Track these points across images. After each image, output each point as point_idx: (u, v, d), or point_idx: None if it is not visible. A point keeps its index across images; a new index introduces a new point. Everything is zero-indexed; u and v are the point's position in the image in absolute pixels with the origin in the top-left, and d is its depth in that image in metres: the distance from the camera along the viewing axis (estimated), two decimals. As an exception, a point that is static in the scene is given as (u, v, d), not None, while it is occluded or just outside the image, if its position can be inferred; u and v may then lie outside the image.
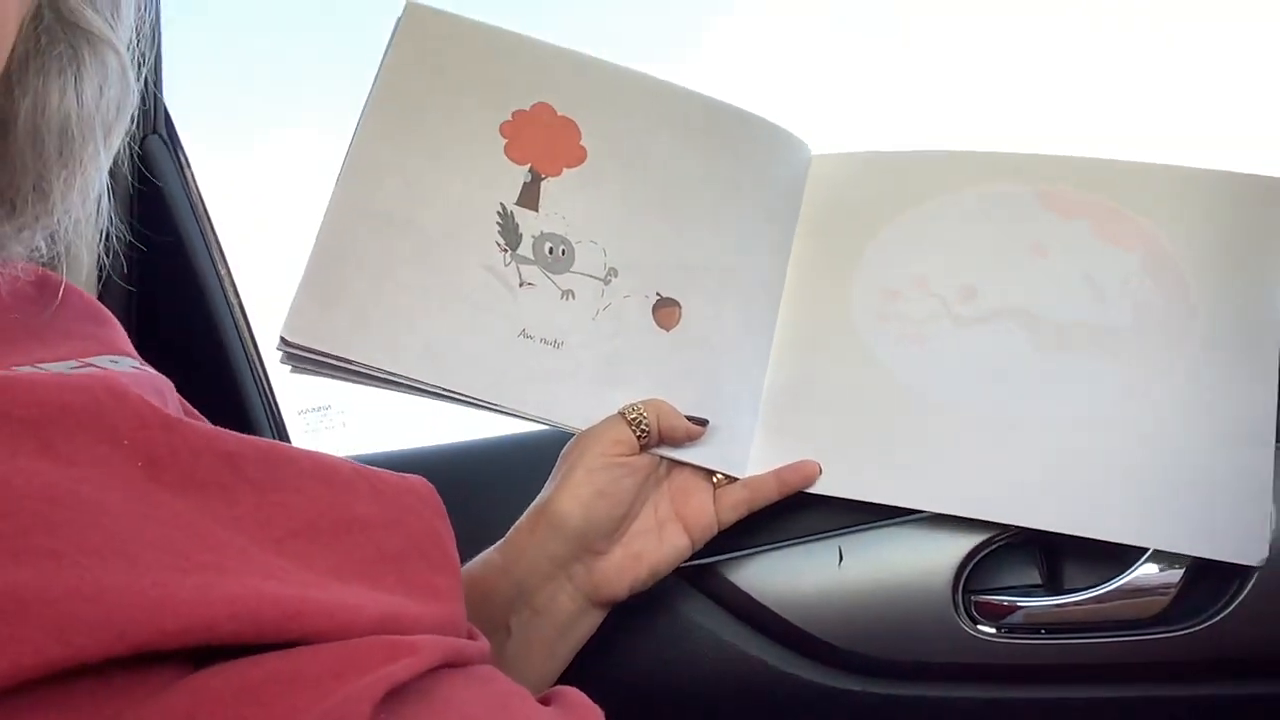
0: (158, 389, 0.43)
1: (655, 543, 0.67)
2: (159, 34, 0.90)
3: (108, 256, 0.53)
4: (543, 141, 0.72)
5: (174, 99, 0.95)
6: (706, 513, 0.68)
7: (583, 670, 0.65)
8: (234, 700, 0.30)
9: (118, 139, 0.48)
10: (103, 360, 0.44)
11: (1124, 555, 0.70)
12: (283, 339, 0.66)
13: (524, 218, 0.70)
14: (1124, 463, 0.66)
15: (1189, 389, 0.67)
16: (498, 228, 0.70)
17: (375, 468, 0.44)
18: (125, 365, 0.45)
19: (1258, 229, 0.69)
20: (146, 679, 0.29)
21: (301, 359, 0.67)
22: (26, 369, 0.39)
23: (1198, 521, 0.65)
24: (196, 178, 0.98)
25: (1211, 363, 0.67)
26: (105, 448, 0.33)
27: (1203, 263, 0.69)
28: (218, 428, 0.39)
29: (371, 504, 0.42)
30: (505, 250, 0.69)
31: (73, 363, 0.43)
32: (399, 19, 0.72)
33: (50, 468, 0.31)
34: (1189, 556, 0.68)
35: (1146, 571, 0.69)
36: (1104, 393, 0.68)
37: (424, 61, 0.72)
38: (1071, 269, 0.70)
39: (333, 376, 0.68)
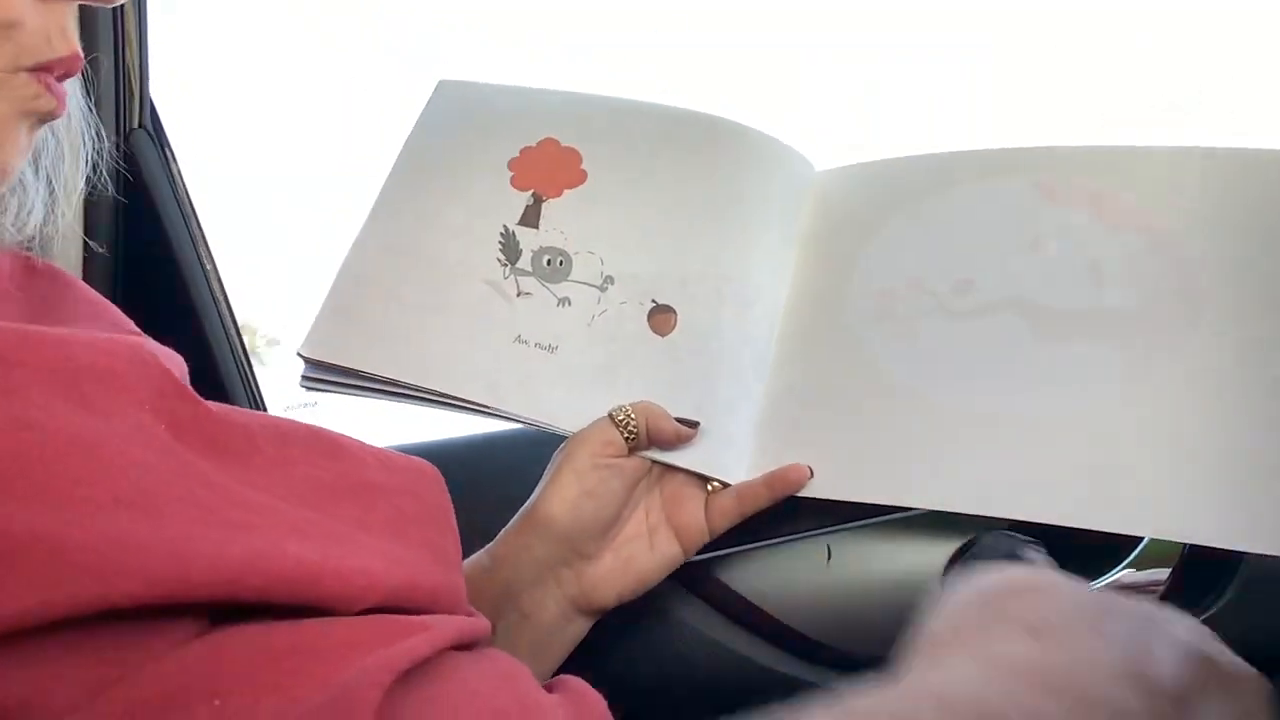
0: (175, 363, 0.44)
1: (646, 549, 0.66)
2: (145, 30, 0.90)
3: (94, 246, 0.53)
4: (546, 169, 0.76)
5: (159, 93, 0.95)
6: (698, 520, 0.67)
7: (570, 670, 0.64)
8: (251, 664, 0.30)
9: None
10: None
11: (1113, 552, 0.70)
12: (299, 354, 0.71)
13: (524, 235, 0.73)
14: (1129, 450, 0.63)
15: (1198, 373, 0.63)
16: (499, 246, 0.73)
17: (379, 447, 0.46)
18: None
19: (1270, 204, 0.67)
20: (164, 632, 0.30)
21: (315, 379, 0.72)
22: None
23: (1210, 509, 0.60)
24: (183, 172, 0.98)
25: (1222, 346, 0.64)
26: (134, 407, 0.34)
27: (1214, 242, 0.66)
28: (226, 404, 0.39)
29: (382, 473, 0.44)
30: (505, 265, 0.72)
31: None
32: (432, 94, 0.81)
33: (84, 418, 0.31)
34: (1178, 554, 0.69)
35: (1136, 569, 0.70)
36: (1107, 379, 0.65)
37: (447, 122, 0.79)
38: (1073, 255, 0.68)
39: (342, 392, 0.72)
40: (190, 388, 0.37)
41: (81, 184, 0.54)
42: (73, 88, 0.51)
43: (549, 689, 0.45)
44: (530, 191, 0.74)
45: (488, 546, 0.65)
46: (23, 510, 0.27)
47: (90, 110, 0.55)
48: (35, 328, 0.33)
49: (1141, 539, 0.70)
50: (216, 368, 0.98)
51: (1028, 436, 0.65)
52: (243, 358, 1.01)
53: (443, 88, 0.81)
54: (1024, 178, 0.72)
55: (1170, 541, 0.70)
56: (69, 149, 0.51)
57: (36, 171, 0.49)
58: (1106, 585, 0.70)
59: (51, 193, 0.50)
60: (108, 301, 0.51)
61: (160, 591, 0.29)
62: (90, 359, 0.33)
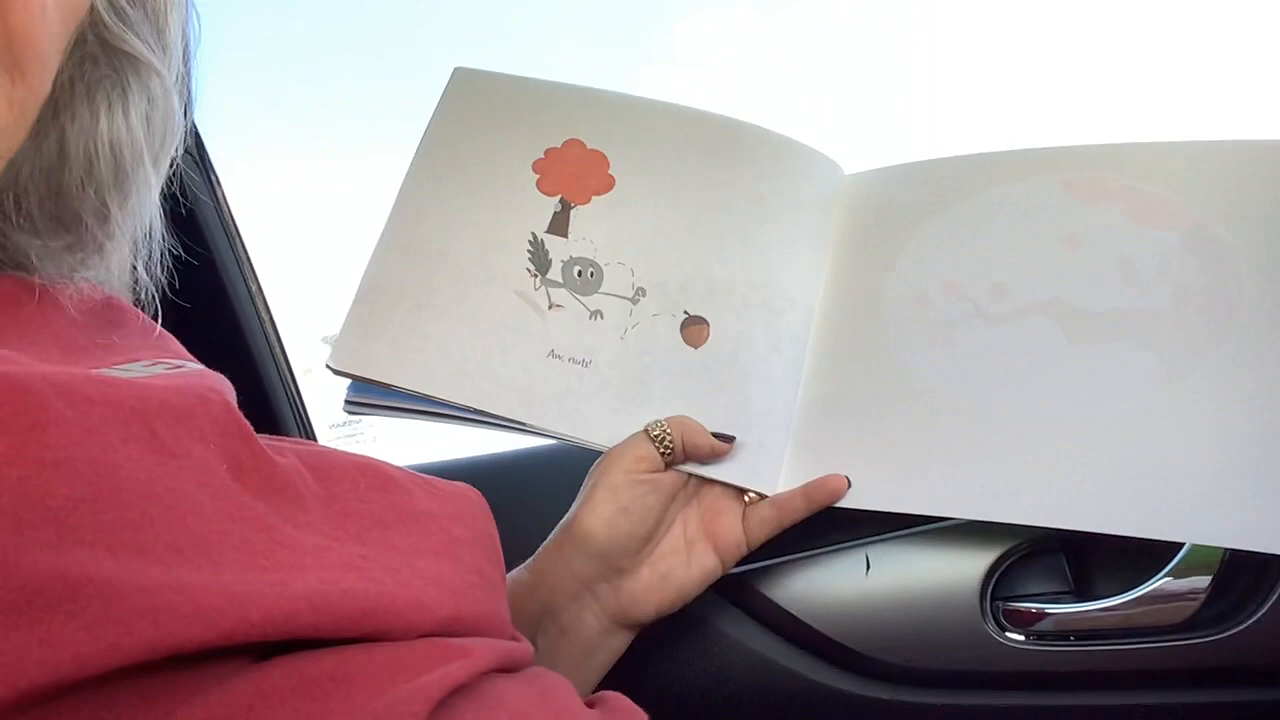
0: (229, 391, 0.45)
1: (683, 562, 0.66)
2: (189, 53, 0.92)
3: (150, 276, 0.55)
4: (572, 173, 0.75)
5: (203, 116, 0.96)
6: (735, 532, 0.67)
7: (611, 681, 0.65)
8: (292, 694, 0.31)
9: (166, 164, 0.49)
10: (170, 363, 0.46)
11: (1152, 561, 0.70)
12: (328, 366, 0.69)
13: (554, 244, 0.73)
14: (1166, 454, 0.62)
15: (1235, 371, 0.62)
16: (528, 255, 0.72)
17: (425, 474, 0.47)
18: (191, 369, 0.46)
19: None
20: (214, 669, 0.30)
21: (357, 402, 0.71)
22: (103, 370, 0.40)
23: (1250, 513, 0.59)
24: (227, 195, 1.00)
25: (1261, 344, 0.63)
26: (199, 446, 0.34)
27: (1249, 237, 0.65)
28: (276, 438, 0.40)
29: (431, 501, 0.45)
30: (535, 275, 0.72)
31: (144, 363, 0.44)
32: (448, 82, 0.79)
33: (154, 459, 0.32)
34: (1218, 561, 0.68)
35: (1175, 577, 0.69)
36: (1143, 382, 0.64)
37: (467, 113, 0.77)
38: (1105, 256, 0.68)
39: (383, 415, 0.71)
40: (246, 422, 0.37)
41: (165, 233, 0.55)
42: (178, 130, 0.52)
43: (590, 704, 0.46)
44: (558, 197, 0.74)
45: (526, 564, 0.66)
46: (86, 554, 0.28)
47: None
48: (110, 375, 0.34)
49: (1181, 546, 0.69)
50: (264, 391, 0.99)
51: (1064, 442, 0.64)
52: (290, 381, 1.02)
53: (459, 76, 0.79)
54: (1053, 177, 0.71)
55: (1210, 549, 0.69)
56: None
57: (124, 208, 0.50)
58: (1146, 593, 0.70)
59: (136, 232, 0.51)
60: (163, 330, 0.52)
61: (218, 633, 0.29)
62: (162, 398, 0.34)
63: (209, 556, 0.31)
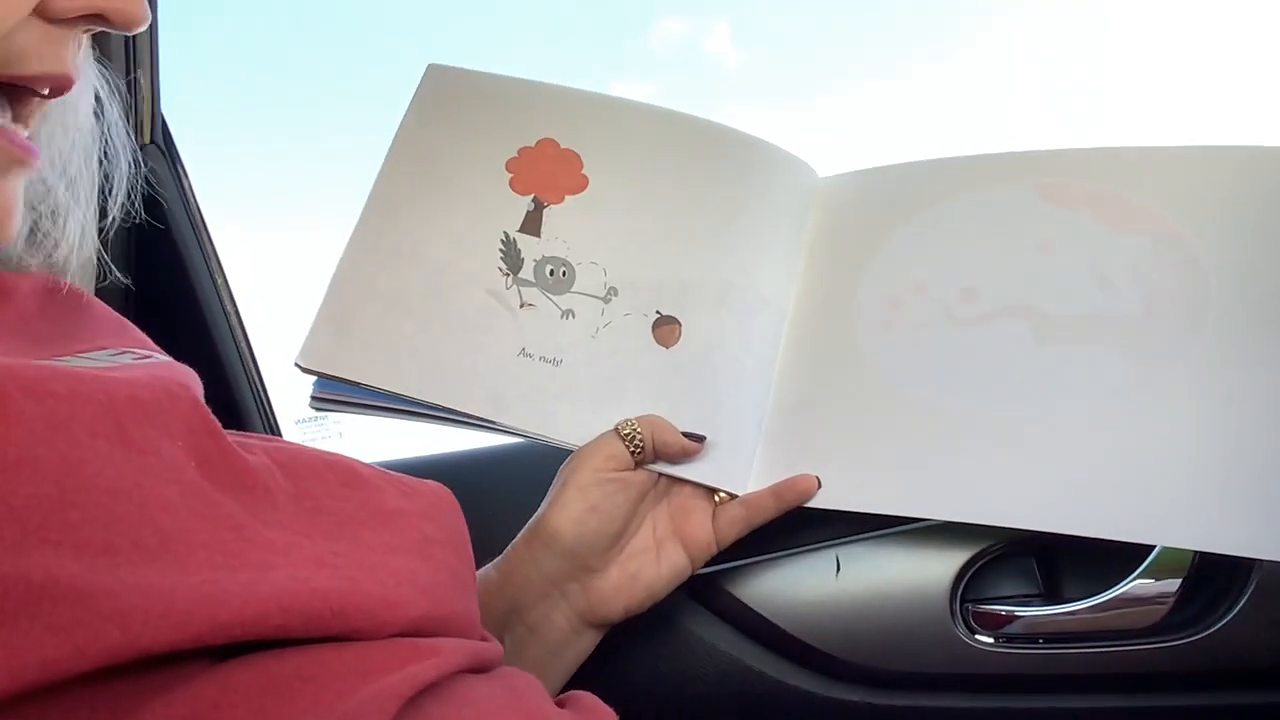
0: (196, 384, 0.44)
1: (653, 562, 0.66)
2: (156, 45, 0.91)
3: (113, 268, 0.54)
4: (545, 173, 0.75)
5: (171, 109, 0.95)
6: (705, 531, 0.67)
7: (579, 681, 0.64)
8: (260, 693, 0.30)
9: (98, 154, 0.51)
10: (137, 353, 0.45)
11: (1122, 564, 0.70)
12: (297, 364, 0.69)
13: (526, 243, 0.72)
14: (1136, 457, 0.62)
15: (1205, 375, 0.63)
16: (500, 254, 0.72)
17: (395, 472, 0.47)
18: (159, 360, 0.46)
19: (1273, 203, 0.66)
20: (178, 668, 0.30)
21: (323, 398, 0.71)
22: (68, 359, 0.40)
23: (1219, 516, 0.60)
24: (193, 186, 0.99)
25: (1230, 348, 0.63)
26: (167, 442, 0.34)
27: (1217, 243, 0.66)
28: (244, 434, 0.40)
29: (402, 499, 0.45)
30: (507, 275, 0.71)
31: (110, 351, 0.44)
32: (421, 79, 0.78)
33: (122, 455, 0.31)
34: (1188, 565, 0.68)
35: (1145, 581, 0.69)
36: (1113, 385, 0.64)
37: (440, 112, 0.77)
38: (1077, 261, 0.68)
39: (350, 411, 0.71)
40: (214, 418, 0.37)
41: (117, 212, 0.55)
42: (113, 112, 0.52)
43: (560, 704, 0.46)
44: (531, 196, 0.73)
45: (494, 562, 0.65)
46: (51, 555, 0.27)
47: (129, 136, 0.56)
48: (73, 366, 0.33)
49: (1152, 549, 0.69)
50: (229, 386, 0.98)
51: (1035, 444, 0.64)
52: (255, 376, 1.01)
53: (433, 73, 0.78)
54: (1026, 181, 0.71)
55: (1181, 551, 0.69)
56: (104, 176, 0.52)
57: (75, 198, 0.50)
58: (1116, 597, 0.70)
59: (86, 220, 0.51)
60: (127, 321, 0.51)
61: (187, 636, 0.29)
62: (129, 392, 0.33)
63: (178, 556, 0.30)
